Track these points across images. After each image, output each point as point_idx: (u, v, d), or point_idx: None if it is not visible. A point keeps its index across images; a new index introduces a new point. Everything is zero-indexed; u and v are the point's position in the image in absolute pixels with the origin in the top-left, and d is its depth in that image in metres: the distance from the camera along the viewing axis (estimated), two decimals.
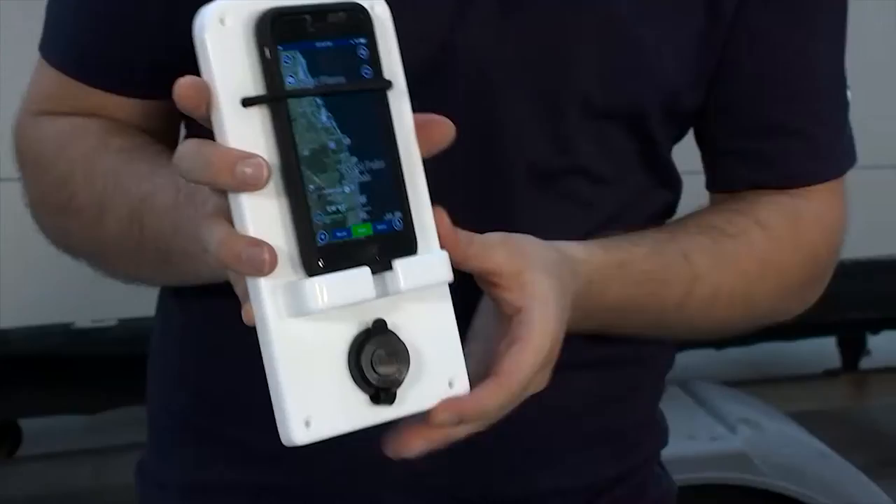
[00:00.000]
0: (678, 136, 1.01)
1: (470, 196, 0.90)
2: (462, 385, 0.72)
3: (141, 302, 2.27)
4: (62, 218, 0.96)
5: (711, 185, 1.03)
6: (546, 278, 0.78)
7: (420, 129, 0.71)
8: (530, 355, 0.75)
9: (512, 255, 0.77)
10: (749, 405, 2.64)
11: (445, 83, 0.89)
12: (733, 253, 0.96)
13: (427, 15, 0.89)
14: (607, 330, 0.94)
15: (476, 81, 0.90)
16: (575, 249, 0.86)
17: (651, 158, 0.98)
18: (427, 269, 0.70)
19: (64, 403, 2.96)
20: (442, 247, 0.72)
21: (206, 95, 0.66)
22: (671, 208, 1.03)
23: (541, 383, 0.78)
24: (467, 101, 0.89)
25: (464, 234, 0.74)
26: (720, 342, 3.27)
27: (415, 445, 0.72)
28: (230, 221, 0.67)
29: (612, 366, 0.99)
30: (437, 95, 0.85)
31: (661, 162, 1.00)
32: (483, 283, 0.77)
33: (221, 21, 0.66)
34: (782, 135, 0.99)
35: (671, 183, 1.02)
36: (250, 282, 0.66)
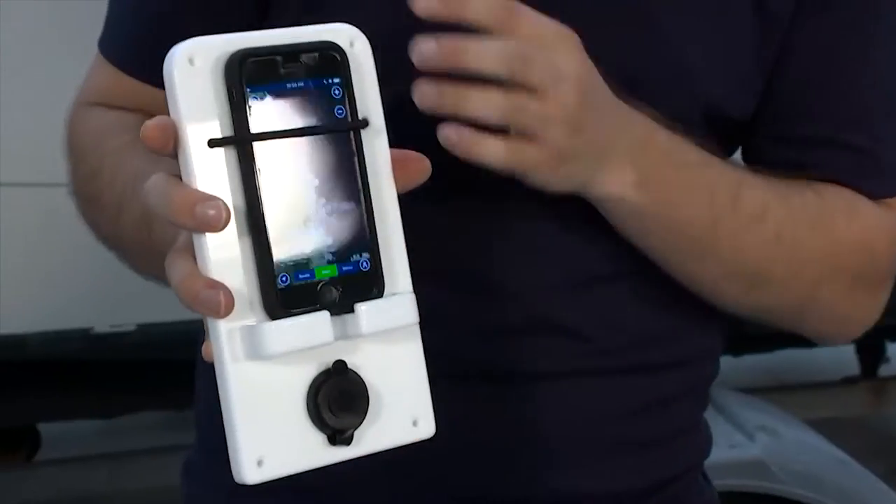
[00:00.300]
0: (728, 151, 0.98)
1: (489, 195, 0.89)
2: (427, 425, 0.71)
3: (159, 307, 2.28)
4: (93, 211, 0.98)
5: None
6: None
7: (396, 166, 0.71)
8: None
9: None
10: (767, 412, 2.64)
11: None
12: (785, 192, 0.93)
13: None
14: (671, 209, 0.89)
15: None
16: None
17: None
18: (392, 312, 0.68)
19: (82, 408, 2.97)
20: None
21: (172, 135, 0.66)
22: None
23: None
24: None
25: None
26: (738, 349, 3.27)
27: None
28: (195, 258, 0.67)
29: (652, 372, 0.97)
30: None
31: None
32: None
33: (191, 61, 0.66)
34: (836, 147, 0.96)
35: None
36: (210, 321, 0.66)
